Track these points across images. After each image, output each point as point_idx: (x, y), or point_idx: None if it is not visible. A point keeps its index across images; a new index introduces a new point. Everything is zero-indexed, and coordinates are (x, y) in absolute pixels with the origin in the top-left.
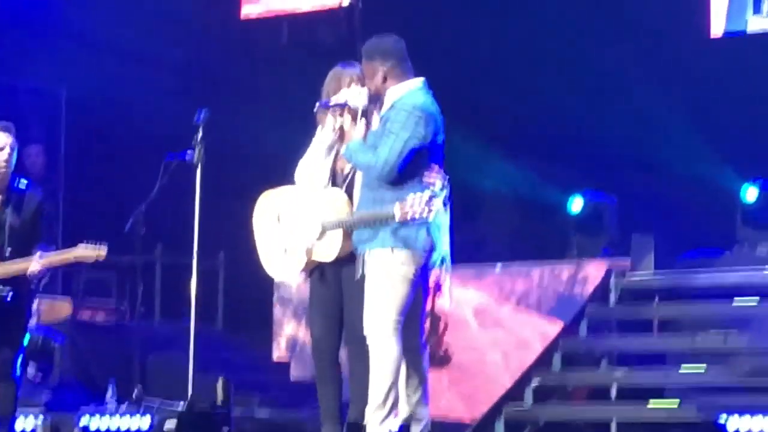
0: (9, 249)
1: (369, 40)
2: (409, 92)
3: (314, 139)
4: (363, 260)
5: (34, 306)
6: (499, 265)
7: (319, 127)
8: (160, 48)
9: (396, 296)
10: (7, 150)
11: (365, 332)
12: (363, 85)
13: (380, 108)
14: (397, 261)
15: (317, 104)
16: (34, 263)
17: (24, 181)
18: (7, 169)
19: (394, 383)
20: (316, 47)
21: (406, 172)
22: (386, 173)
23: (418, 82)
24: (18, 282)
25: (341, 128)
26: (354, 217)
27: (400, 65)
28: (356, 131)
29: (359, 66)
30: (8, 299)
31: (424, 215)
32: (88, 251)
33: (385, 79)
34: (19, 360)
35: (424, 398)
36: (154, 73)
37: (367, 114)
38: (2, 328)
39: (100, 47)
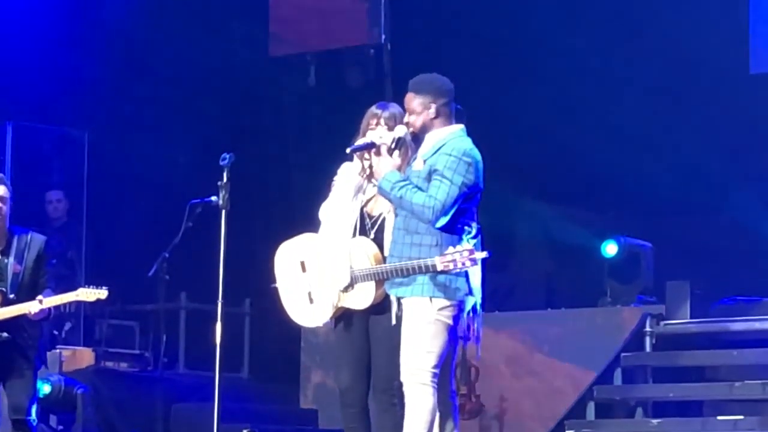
0: (12, 295)
1: (419, 75)
2: (454, 136)
3: (336, 179)
4: (398, 306)
5: (55, 354)
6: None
7: (344, 166)
8: (184, 90)
9: (434, 346)
10: (2, 203)
11: (402, 380)
12: (390, 126)
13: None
14: (436, 309)
15: (348, 149)
16: (35, 304)
17: (25, 234)
18: (4, 222)
19: None
20: (344, 88)
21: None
22: (439, 218)
23: (459, 127)
24: (18, 326)
25: (370, 168)
26: (390, 266)
27: (449, 105)
28: (385, 163)
29: (396, 106)
30: (5, 341)
31: (467, 267)
32: (89, 294)
33: (437, 116)
34: (34, 407)
35: None
36: (178, 116)
37: (401, 148)
38: (9, 372)
39: (122, 90)
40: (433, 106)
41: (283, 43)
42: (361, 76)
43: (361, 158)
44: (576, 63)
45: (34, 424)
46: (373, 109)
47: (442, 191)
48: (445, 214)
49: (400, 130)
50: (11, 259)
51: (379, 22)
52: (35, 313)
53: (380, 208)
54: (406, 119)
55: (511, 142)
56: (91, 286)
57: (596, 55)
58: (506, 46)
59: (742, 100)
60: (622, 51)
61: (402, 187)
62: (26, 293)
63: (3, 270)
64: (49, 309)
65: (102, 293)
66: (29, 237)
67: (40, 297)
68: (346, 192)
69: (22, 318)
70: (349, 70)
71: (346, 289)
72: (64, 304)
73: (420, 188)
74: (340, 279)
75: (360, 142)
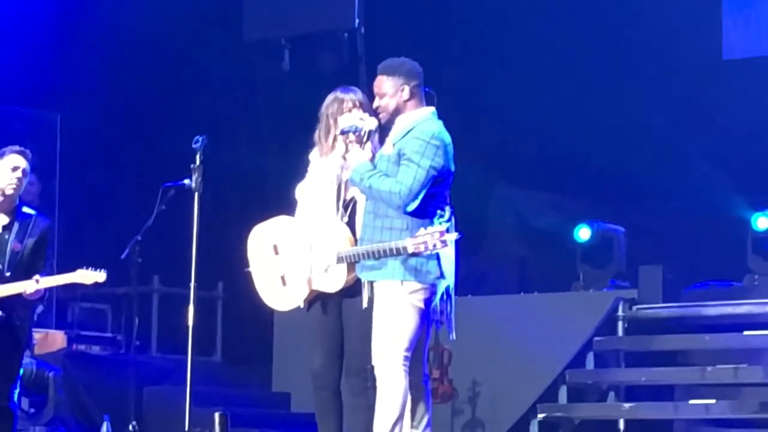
0: (8, 273)
1: (389, 59)
2: (424, 120)
3: (312, 163)
4: (368, 289)
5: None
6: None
7: (315, 151)
8: (157, 73)
9: (406, 328)
10: (19, 173)
11: (374, 364)
12: (364, 109)
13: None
14: (407, 293)
15: (337, 131)
16: (31, 284)
17: (31, 211)
18: (17, 192)
19: (401, 417)
20: (318, 72)
21: (419, 201)
22: (408, 203)
23: (430, 110)
24: (12, 305)
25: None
26: (363, 248)
27: (420, 89)
28: (356, 154)
29: (359, 91)
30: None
31: (438, 248)
32: (87, 276)
33: (410, 97)
34: (17, 391)
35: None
36: (151, 99)
37: (371, 137)
38: None
39: (94, 73)
40: (406, 88)
41: (257, 27)
42: (335, 61)
43: (346, 141)
44: (549, 48)
45: (16, 408)
46: (339, 94)
47: (409, 175)
48: (413, 198)
49: (371, 123)
50: (12, 237)
51: (352, 7)
52: (30, 293)
53: (353, 191)
54: (377, 103)
55: (484, 126)
56: (90, 268)
57: (569, 40)
58: (479, 31)
59: (714, 85)
60: (595, 37)
61: (371, 176)
62: (21, 273)
63: (2, 246)
64: (45, 290)
65: (100, 276)
66: (34, 218)
67: (37, 276)
68: (323, 174)
69: (14, 298)
70: (323, 54)
71: (324, 271)
72: None
73: (387, 175)
74: (319, 260)
75: (348, 124)
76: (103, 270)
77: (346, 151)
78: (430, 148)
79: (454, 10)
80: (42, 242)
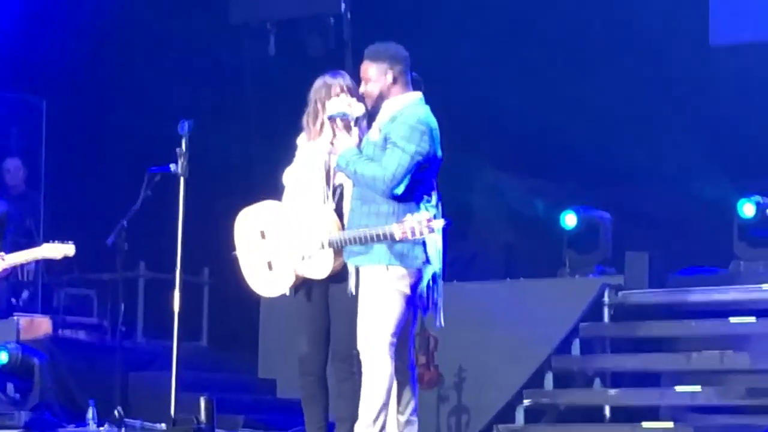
0: None
1: (374, 44)
2: (410, 105)
3: (300, 148)
4: (355, 275)
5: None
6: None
7: (302, 136)
8: (143, 57)
9: (391, 314)
10: None
11: (359, 349)
12: (352, 94)
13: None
14: (393, 278)
15: (325, 116)
16: None
17: None
18: None
19: (386, 402)
20: (304, 57)
21: (405, 186)
22: (392, 187)
23: (417, 95)
24: None
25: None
26: (350, 234)
27: (406, 73)
28: (343, 140)
29: (347, 76)
30: None
31: (425, 235)
32: (55, 249)
33: (394, 82)
34: None
35: (414, 417)
36: (137, 84)
37: (358, 122)
38: None
39: (80, 57)
40: (390, 73)
41: (243, 11)
42: (321, 45)
43: (333, 126)
44: (535, 34)
45: None
46: (328, 78)
47: (393, 160)
48: (397, 183)
49: (359, 110)
50: None
51: None
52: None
53: (341, 177)
54: (362, 88)
55: (471, 111)
56: (56, 241)
57: (555, 26)
58: (466, 16)
59: (701, 71)
60: (582, 22)
61: (356, 161)
62: None
63: None
64: (13, 268)
65: (69, 248)
66: None
67: (2, 253)
68: (310, 159)
69: None
70: (309, 38)
71: (310, 257)
72: (22, 272)
73: (373, 160)
74: (306, 246)
75: (336, 110)
76: (70, 242)
77: (334, 136)
78: (415, 134)
79: None
80: (0, 225)
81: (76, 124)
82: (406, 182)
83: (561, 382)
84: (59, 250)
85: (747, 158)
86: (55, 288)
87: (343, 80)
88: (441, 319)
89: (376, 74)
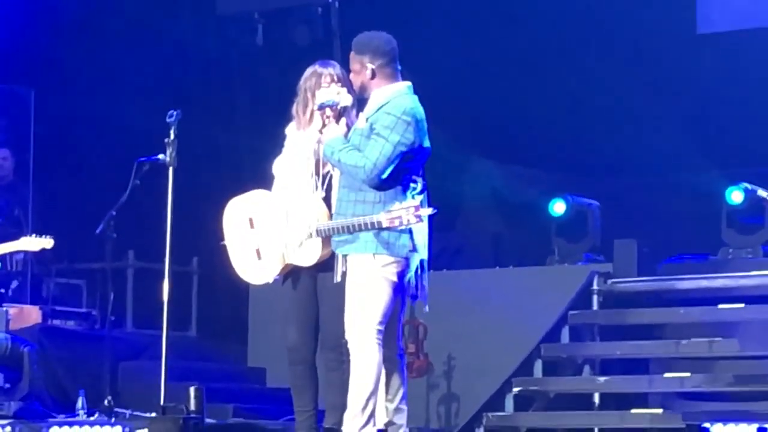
0: None
1: (362, 34)
2: (397, 95)
3: (289, 137)
4: (342, 263)
5: (2, 312)
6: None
7: (292, 125)
8: (131, 48)
9: (378, 302)
10: None
11: (347, 338)
12: (342, 84)
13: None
14: (379, 266)
15: (315, 106)
16: None
17: None
18: None
19: (374, 390)
20: (292, 47)
21: (390, 175)
22: (374, 177)
23: (405, 85)
24: None
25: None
26: (338, 222)
27: (390, 65)
28: (331, 129)
29: (338, 65)
30: None
31: (413, 223)
32: (33, 243)
33: (373, 76)
34: None
35: (403, 405)
36: (125, 74)
37: (347, 111)
38: None
39: (69, 47)
40: (370, 67)
41: (230, 2)
42: (309, 35)
43: (323, 115)
44: (523, 24)
45: None
46: (318, 68)
47: (376, 150)
48: (379, 172)
49: (348, 98)
50: None
51: None
52: None
53: (330, 166)
54: (352, 78)
55: (459, 100)
56: (35, 235)
57: (544, 15)
58: (454, 4)
59: (689, 60)
60: (570, 12)
61: (341, 150)
62: None
63: None
64: (2, 258)
65: (47, 242)
66: None
67: None
68: (300, 149)
69: None
70: (297, 28)
71: (299, 245)
72: (11, 262)
73: (359, 149)
74: (294, 234)
75: (326, 99)
76: (49, 236)
77: (323, 125)
78: (400, 124)
79: None
80: None
81: (64, 114)
82: (389, 171)
83: (550, 369)
84: (38, 243)
85: (735, 145)
86: (44, 278)
87: (334, 69)
88: (428, 308)
89: (358, 67)
